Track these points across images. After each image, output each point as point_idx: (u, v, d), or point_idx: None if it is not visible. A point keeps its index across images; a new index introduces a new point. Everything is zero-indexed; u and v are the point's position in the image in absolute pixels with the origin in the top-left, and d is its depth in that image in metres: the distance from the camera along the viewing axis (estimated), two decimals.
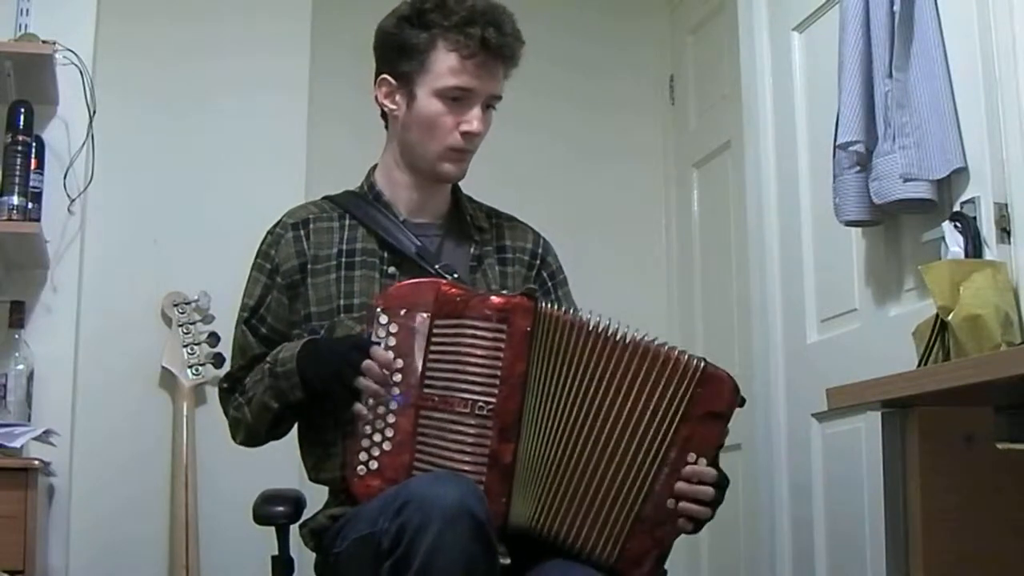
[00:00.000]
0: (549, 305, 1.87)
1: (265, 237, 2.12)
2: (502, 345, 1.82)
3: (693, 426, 1.83)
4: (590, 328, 1.84)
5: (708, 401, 1.83)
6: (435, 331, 1.84)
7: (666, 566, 1.86)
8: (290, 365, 1.94)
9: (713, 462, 1.85)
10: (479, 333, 1.83)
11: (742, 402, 1.87)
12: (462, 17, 2.00)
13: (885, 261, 2.63)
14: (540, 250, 2.20)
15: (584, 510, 1.83)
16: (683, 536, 1.86)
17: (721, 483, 1.85)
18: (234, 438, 2.10)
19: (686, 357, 1.84)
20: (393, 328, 1.85)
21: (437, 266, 2.02)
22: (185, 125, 3.34)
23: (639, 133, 4.06)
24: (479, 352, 1.82)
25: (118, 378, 3.19)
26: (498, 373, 1.81)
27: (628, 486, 1.83)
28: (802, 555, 2.91)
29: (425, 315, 1.84)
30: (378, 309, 1.87)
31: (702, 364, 1.84)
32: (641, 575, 1.83)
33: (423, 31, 2.01)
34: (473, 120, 2.02)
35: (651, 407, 1.82)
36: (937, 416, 1.99)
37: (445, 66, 2.00)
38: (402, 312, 1.85)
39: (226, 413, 2.11)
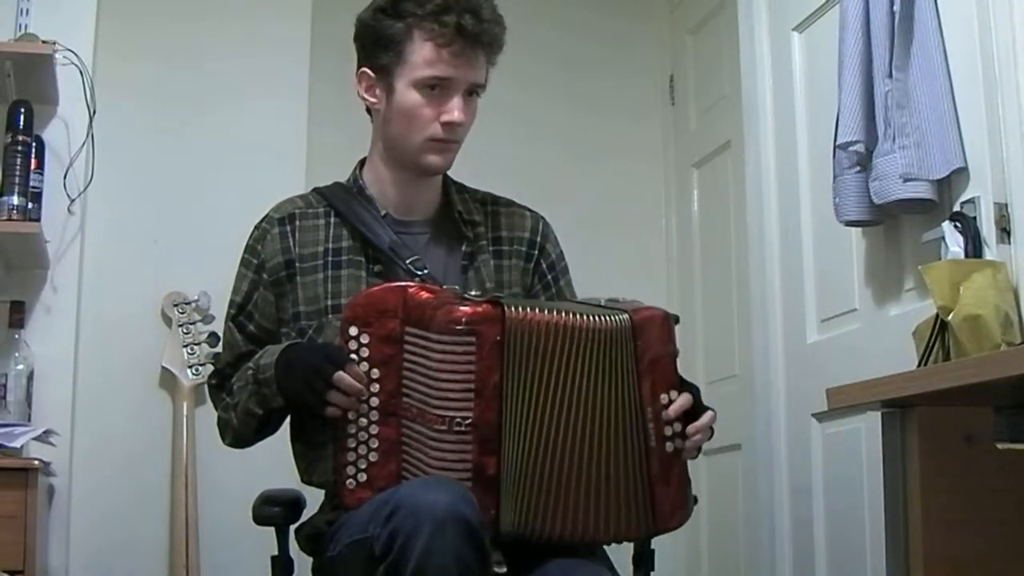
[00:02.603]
0: (517, 309, 1.82)
1: (252, 231, 2.10)
2: (473, 358, 1.78)
3: (651, 375, 1.85)
4: (557, 324, 1.82)
5: (650, 346, 1.86)
6: (407, 339, 1.81)
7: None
8: (270, 372, 1.92)
9: (680, 385, 1.88)
10: (448, 348, 1.79)
11: (677, 320, 1.91)
12: (437, 5, 1.95)
13: (885, 261, 2.63)
14: (539, 238, 2.16)
15: (596, 502, 1.82)
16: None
17: (698, 400, 1.89)
18: (222, 439, 2.10)
19: (612, 319, 1.84)
20: (364, 339, 1.82)
21: (407, 262, 1.99)
22: (185, 125, 3.34)
23: (639, 133, 4.05)
24: (450, 367, 1.78)
25: (118, 378, 3.18)
26: (472, 387, 1.78)
27: (627, 461, 1.83)
28: (802, 555, 2.91)
29: (395, 322, 1.81)
30: (347, 320, 1.84)
31: (627, 317, 1.85)
32: (682, 517, 1.88)
33: (398, 21, 1.97)
34: (454, 110, 1.98)
35: (609, 382, 1.83)
36: (937, 416, 1.99)
37: (421, 56, 1.97)
38: (372, 321, 1.82)
39: (216, 409, 2.10)
